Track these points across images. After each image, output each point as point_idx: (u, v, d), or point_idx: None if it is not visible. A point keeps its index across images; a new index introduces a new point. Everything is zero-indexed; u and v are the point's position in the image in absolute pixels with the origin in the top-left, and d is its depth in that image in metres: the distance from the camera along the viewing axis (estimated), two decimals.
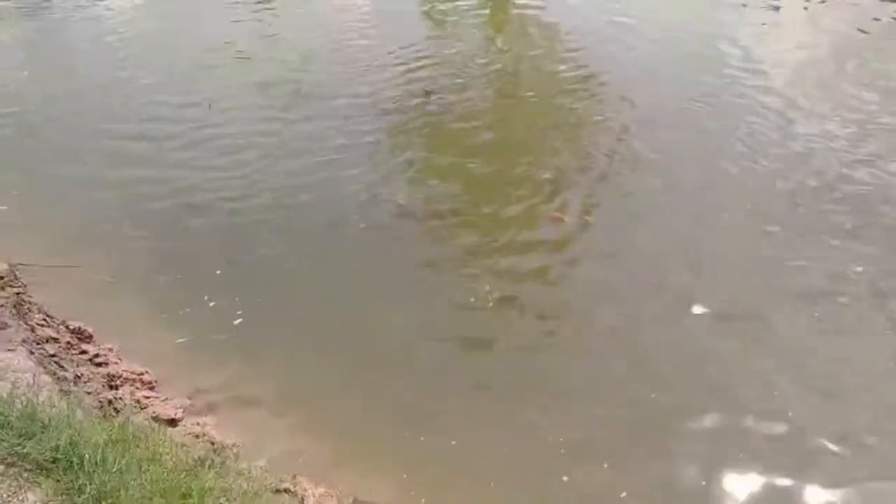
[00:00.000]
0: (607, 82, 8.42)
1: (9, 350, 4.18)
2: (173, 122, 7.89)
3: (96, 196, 6.68)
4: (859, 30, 9.44)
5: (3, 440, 3.14)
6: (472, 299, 5.30)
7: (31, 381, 3.82)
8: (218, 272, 5.66)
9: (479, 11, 10.95)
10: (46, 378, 3.94)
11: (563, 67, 8.82)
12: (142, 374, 4.74)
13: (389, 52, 9.29)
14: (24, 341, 4.44)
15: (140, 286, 5.65)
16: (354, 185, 6.70)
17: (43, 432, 3.19)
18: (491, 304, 5.27)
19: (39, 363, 4.30)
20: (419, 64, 9.02)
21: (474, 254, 5.73)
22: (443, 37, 10.02)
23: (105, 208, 6.51)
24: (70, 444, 3.10)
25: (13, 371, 3.93)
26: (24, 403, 3.41)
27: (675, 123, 7.51)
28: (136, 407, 4.46)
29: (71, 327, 5.08)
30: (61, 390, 4.13)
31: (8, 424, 3.21)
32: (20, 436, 3.15)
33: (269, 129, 7.63)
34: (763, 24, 9.88)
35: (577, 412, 4.51)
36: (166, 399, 4.61)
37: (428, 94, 8.13)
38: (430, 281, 5.54)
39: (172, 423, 4.36)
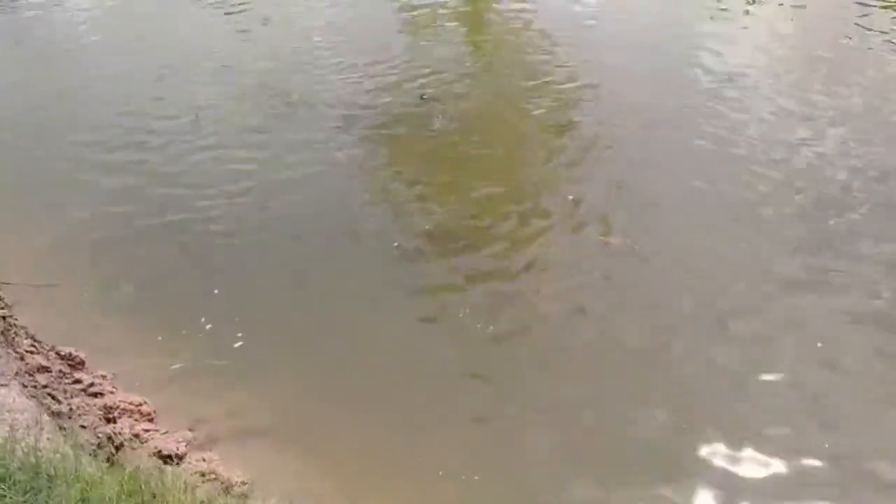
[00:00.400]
0: (597, 84, 8.19)
1: (2, 385, 3.93)
2: (158, 134, 7.54)
3: (81, 213, 6.39)
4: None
5: (6, 495, 2.92)
6: (479, 326, 5.09)
7: (31, 422, 3.58)
8: (216, 292, 5.42)
9: (458, 9, 10.62)
10: (46, 418, 3.68)
11: (551, 72, 8.57)
12: (140, 404, 4.53)
13: (371, 57, 8.98)
14: (16, 374, 4.19)
15: (133, 307, 5.43)
16: (354, 201, 6.46)
17: (50, 487, 2.98)
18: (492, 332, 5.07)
19: (34, 397, 4.06)
20: (407, 68, 8.74)
21: (482, 279, 5.50)
22: (424, 39, 9.73)
23: (91, 225, 6.22)
24: (81, 500, 2.89)
25: (9, 410, 3.69)
26: (26, 451, 3.18)
27: (676, 125, 7.33)
28: (136, 441, 4.24)
29: (62, 353, 4.84)
30: (61, 429, 3.91)
31: (10, 478, 2.99)
32: (25, 492, 2.93)
33: (260, 140, 7.33)
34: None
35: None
36: (167, 432, 4.40)
37: (424, 99, 7.88)
38: (436, 305, 5.34)
39: (177, 459, 4.14)
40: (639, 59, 8.66)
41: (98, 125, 7.73)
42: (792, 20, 9.46)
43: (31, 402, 3.85)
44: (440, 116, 7.50)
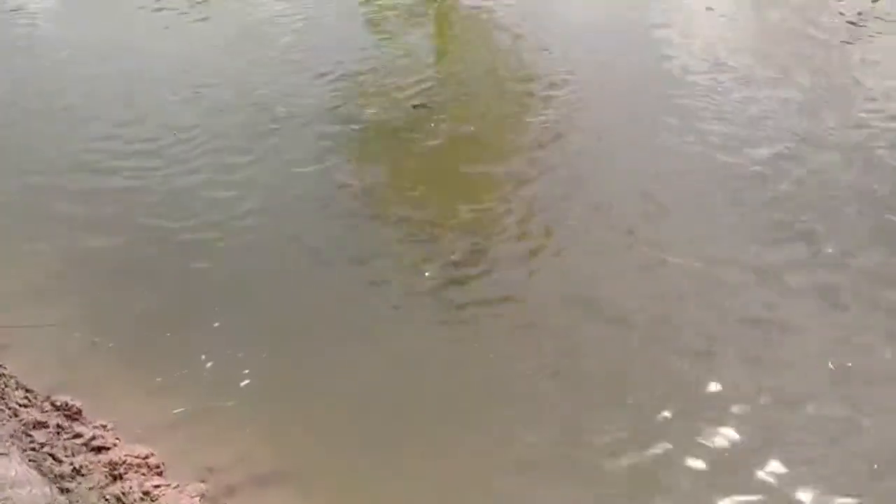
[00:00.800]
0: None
1: (1, 454, 3.63)
2: (134, 158, 7.16)
3: (61, 248, 6.01)
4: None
5: None
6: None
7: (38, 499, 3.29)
8: (216, 325, 5.13)
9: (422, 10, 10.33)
10: (56, 494, 3.40)
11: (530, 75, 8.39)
12: (146, 456, 4.25)
13: (344, 62, 8.69)
14: (12, 435, 3.89)
15: (125, 345, 5.11)
16: (364, 226, 6.15)
17: None
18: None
19: (34, 461, 3.77)
20: (386, 75, 8.47)
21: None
22: (397, 43, 9.44)
23: (73, 261, 5.87)
24: None
25: (11, 486, 3.39)
26: None
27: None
28: (147, 500, 3.96)
29: (57, 404, 4.55)
30: (66, 491, 3.63)
31: None
32: None
33: (246, 160, 7.00)
34: None
35: None
36: (178, 486, 4.13)
37: (417, 108, 7.58)
38: (463, 333, 5.10)
39: None
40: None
41: (62, 154, 7.29)
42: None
43: (34, 472, 3.55)
44: (433, 125, 7.22)
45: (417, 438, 4.39)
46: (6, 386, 4.58)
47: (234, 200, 6.42)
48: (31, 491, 3.33)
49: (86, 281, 5.66)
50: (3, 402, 4.35)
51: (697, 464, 4.13)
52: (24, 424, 4.18)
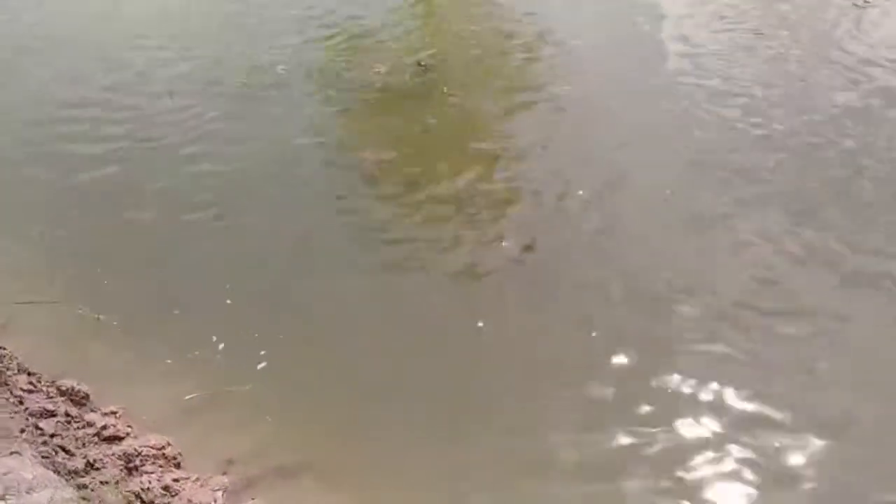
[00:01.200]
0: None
1: (13, 453, 3.39)
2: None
3: (62, 220, 5.71)
4: None
5: None
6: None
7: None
8: (228, 302, 4.88)
9: None
10: (78, 497, 3.18)
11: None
12: (162, 447, 4.03)
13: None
14: (23, 430, 3.65)
15: (132, 324, 4.85)
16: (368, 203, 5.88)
17: None
18: None
19: (47, 458, 3.54)
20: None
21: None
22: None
23: (74, 235, 5.57)
24: None
25: (28, 490, 3.16)
26: None
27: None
28: (167, 495, 3.76)
29: (63, 388, 4.31)
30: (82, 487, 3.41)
31: None
32: None
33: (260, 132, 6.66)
34: None
35: None
36: (198, 479, 3.92)
37: (421, 66, 7.30)
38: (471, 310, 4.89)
39: None
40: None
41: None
42: None
43: (51, 473, 3.31)
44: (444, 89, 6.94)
45: (445, 428, 4.19)
46: (8, 369, 4.31)
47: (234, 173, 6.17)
48: (52, 497, 3.09)
49: (86, 254, 5.32)
50: (6, 388, 4.10)
51: None
52: (31, 414, 3.93)
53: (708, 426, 4.12)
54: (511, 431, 4.16)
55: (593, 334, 4.64)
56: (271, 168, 6.19)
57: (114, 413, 4.22)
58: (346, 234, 5.50)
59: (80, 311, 4.86)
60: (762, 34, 8.04)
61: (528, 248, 5.29)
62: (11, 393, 4.02)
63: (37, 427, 3.80)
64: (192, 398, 4.35)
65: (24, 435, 3.61)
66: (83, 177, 6.08)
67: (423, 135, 6.60)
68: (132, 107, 6.98)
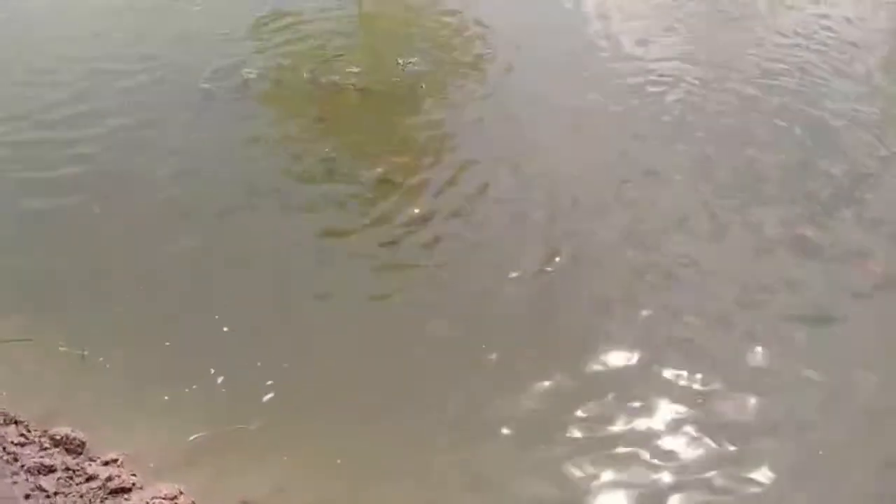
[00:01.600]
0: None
1: None
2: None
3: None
4: None
5: None
6: None
7: None
8: (225, 329, 4.62)
9: None
10: None
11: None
12: (174, 497, 3.78)
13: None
14: (28, 496, 3.37)
15: (120, 359, 4.55)
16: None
17: None
18: None
19: None
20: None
21: None
22: None
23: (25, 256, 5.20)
24: None
25: None
26: None
27: None
28: None
29: (57, 438, 4.02)
30: None
31: None
32: None
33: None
34: None
35: None
36: None
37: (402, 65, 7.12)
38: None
39: None
40: None
41: None
42: None
43: None
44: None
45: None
46: None
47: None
48: None
49: (53, 284, 4.97)
50: None
51: None
52: (29, 472, 3.64)
53: None
54: None
55: None
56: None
57: (115, 461, 3.95)
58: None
59: (62, 349, 4.51)
60: None
61: None
62: (5, 450, 3.74)
63: (40, 488, 3.51)
64: (197, 438, 4.08)
65: (28, 501, 3.32)
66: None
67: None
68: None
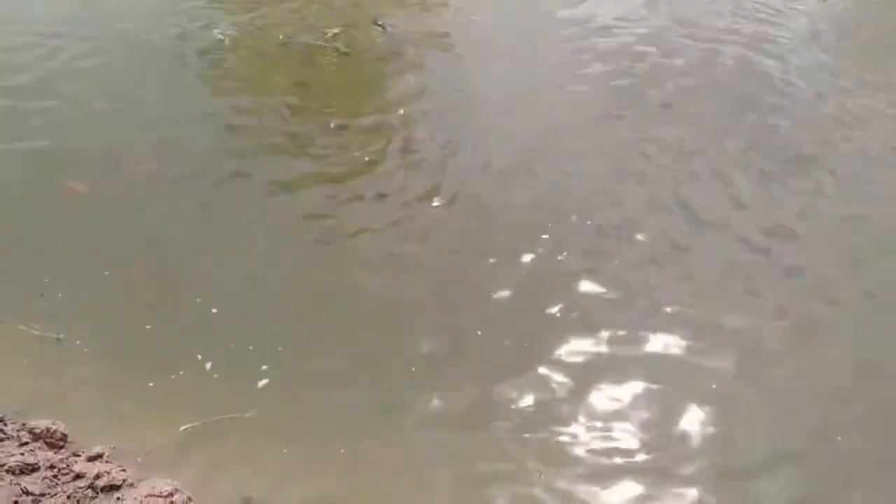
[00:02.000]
0: None
1: None
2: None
3: None
4: None
5: None
6: None
7: None
8: (214, 311, 4.35)
9: None
10: None
11: None
12: (170, 494, 3.55)
13: None
14: (16, 502, 3.11)
15: (100, 341, 4.25)
16: None
17: None
18: None
19: None
20: None
21: None
22: None
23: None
24: None
25: None
26: None
27: None
28: None
29: (37, 431, 3.74)
30: None
31: None
32: None
33: None
34: None
35: None
36: None
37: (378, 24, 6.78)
38: None
39: None
40: None
41: None
42: None
43: None
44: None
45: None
46: None
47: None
48: None
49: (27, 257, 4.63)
50: None
51: None
52: (11, 473, 3.36)
53: None
54: None
55: None
56: None
57: (101, 456, 3.69)
58: None
59: (35, 332, 4.20)
60: None
61: None
62: None
63: (25, 492, 3.25)
64: (188, 429, 3.84)
65: None
66: None
67: None
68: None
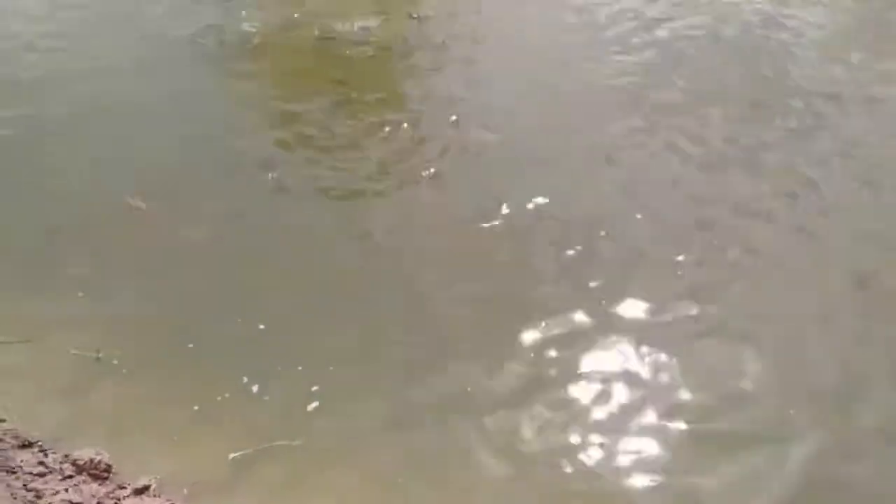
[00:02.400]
0: None
1: None
2: None
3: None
4: None
5: None
6: None
7: None
8: (261, 327, 4.14)
9: None
10: None
11: None
12: None
13: None
14: None
15: (140, 362, 4.04)
16: None
17: None
18: None
19: None
20: None
21: None
22: None
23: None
24: None
25: None
26: None
27: None
28: None
29: (80, 463, 3.55)
30: None
31: None
32: None
33: None
34: None
35: None
36: None
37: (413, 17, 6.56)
38: None
39: None
40: None
41: None
42: None
43: None
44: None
45: None
46: (2, 441, 3.50)
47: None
48: None
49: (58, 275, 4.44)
50: (13, 475, 3.29)
51: None
52: None
53: None
54: None
55: None
56: None
57: (147, 488, 3.50)
58: None
59: (73, 352, 4.00)
60: None
61: None
62: (25, 486, 3.24)
63: None
64: (237, 457, 3.64)
65: None
66: None
67: None
68: None
